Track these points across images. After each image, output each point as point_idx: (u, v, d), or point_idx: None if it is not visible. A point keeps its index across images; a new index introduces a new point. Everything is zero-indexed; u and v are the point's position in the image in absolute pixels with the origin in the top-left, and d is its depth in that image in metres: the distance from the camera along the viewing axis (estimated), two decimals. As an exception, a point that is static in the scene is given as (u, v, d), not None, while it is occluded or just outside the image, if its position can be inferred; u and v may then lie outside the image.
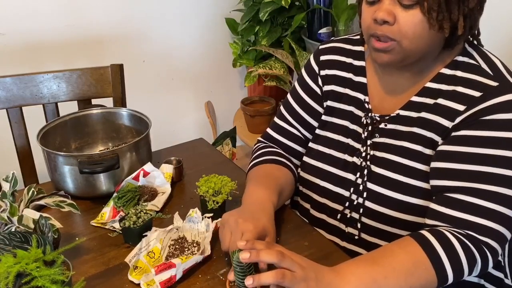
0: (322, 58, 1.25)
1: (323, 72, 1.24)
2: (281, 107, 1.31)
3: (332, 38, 1.29)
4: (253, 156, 1.28)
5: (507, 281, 1.14)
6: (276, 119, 1.32)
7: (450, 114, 1.04)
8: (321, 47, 1.27)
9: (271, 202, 1.11)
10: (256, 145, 1.33)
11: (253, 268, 0.94)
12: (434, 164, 1.05)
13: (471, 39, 1.09)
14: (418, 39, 1.01)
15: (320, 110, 1.25)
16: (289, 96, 1.31)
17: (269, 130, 1.33)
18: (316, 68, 1.25)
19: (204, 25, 2.57)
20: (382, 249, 0.99)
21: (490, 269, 1.04)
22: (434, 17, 0.98)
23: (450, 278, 0.95)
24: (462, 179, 1.00)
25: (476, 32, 1.08)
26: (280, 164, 1.23)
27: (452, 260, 0.95)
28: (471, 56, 1.08)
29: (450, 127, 1.04)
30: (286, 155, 1.28)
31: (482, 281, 1.13)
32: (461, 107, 1.03)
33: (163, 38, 2.47)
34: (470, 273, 0.98)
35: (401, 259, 0.94)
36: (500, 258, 1.09)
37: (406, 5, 0.99)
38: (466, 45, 1.09)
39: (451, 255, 0.95)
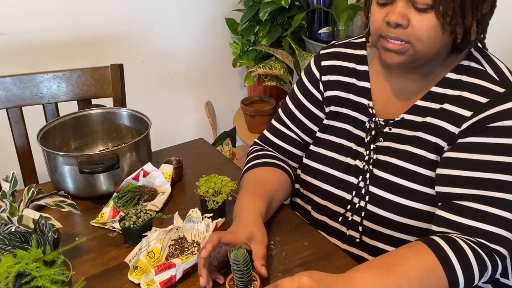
0: (324, 63, 1.23)
1: (324, 78, 1.23)
2: (280, 110, 1.30)
3: (333, 42, 1.28)
4: (247, 160, 1.28)
5: (504, 281, 1.14)
6: (274, 122, 1.31)
7: (456, 119, 1.04)
8: (322, 52, 1.26)
9: (258, 210, 1.10)
10: (251, 148, 1.32)
11: (250, 266, 0.95)
12: (441, 171, 1.04)
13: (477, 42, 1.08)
14: (432, 43, 1.00)
15: (320, 115, 1.24)
16: (287, 99, 1.30)
17: (266, 133, 1.32)
18: (317, 73, 1.24)
19: (204, 25, 2.57)
20: (395, 255, 0.98)
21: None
22: (448, 21, 0.97)
23: (461, 286, 0.95)
24: (470, 187, 1.00)
25: (482, 35, 1.07)
26: (273, 167, 1.23)
27: (465, 268, 0.95)
28: (477, 61, 1.07)
29: (456, 133, 1.04)
30: (282, 157, 1.28)
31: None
32: (467, 113, 1.03)
33: (163, 38, 2.47)
34: (479, 280, 0.98)
35: (415, 267, 0.94)
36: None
37: (420, 9, 0.98)
38: (472, 49, 1.09)
39: (463, 263, 0.95)
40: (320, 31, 2.31)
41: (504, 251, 0.98)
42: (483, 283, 1.12)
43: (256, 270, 0.98)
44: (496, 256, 0.98)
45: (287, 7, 2.28)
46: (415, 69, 1.08)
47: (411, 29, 0.99)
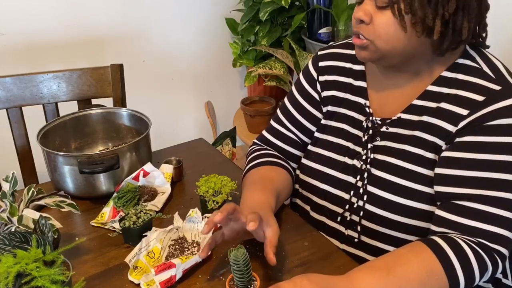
0: (321, 64, 1.24)
1: (322, 78, 1.24)
2: (278, 111, 1.31)
3: (331, 43, 1.29)
4: (248, 160, 1.27)
5: (505, 281, 1.14)
6: (272, 123, 1.31)
7: (453, 118, 1.04)
8: (319, 53, 1.27)
9: (269, 203, 1.10)
10: (252, 148, 1.32)
11: (251, 266, 0.95)
12: (439, 170, 1.04)
13: (473, 41, 1.08)
14: (393, 41, 1.01)
15: (318, 115, 1.25)
16: (286, 100, 1.30)
17: (265, 133, 1.32)
18: (314, 74, 1.25)
19: (204, 25, 2.57)
20: (395, 255, 0.98)
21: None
22: (406, 19, 0.98)
23: (462, 286, 0.95)
24: (469, 186, 1.00)
25: (483, 34, 1.07)
26: (276, 165, 1.23)
27: (465, 269, 0.95)
28: (473, 59, 1.07)
29: (453, 131, 1.04)
30: (282, 157, 1.28)
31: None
32: (464, 112, 1.03)
33: (163, 38, 2.47)
34: (480, 280, 0.98)
35: (415, 268, 0.94)
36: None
37: (380, 7, 1.01)
38: (468, 47, 1.09)
39: (464, 263, 0.95)
40: (320, 31, 2.31)
41: (504, 251, 0.98)
42: (483, 282, 1.12)
43: (266, 256, 0.98)
44: (496, 256, 0.98)
45: (287, 7, 2.28)
46: (401, 68, 1.09)
47: (372, 26, 1.02)
